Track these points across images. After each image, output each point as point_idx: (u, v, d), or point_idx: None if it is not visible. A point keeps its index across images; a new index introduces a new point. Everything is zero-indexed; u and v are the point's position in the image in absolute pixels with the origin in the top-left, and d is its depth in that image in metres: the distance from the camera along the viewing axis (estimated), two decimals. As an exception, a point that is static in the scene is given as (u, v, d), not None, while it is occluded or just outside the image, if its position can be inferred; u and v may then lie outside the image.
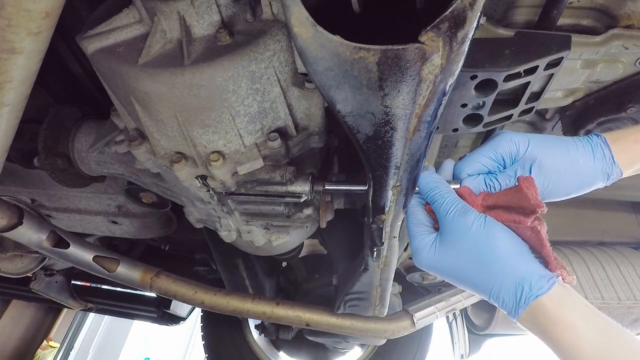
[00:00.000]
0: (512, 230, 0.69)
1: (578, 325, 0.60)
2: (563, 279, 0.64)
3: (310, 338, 1.94)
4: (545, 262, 0.66)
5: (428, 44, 0.37)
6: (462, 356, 2.30)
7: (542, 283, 0.62)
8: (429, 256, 0.71)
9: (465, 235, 0.68)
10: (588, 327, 0.59)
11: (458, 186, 0.76)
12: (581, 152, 0.73)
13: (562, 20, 0.90)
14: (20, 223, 0.94)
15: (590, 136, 0.75)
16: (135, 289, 2.44)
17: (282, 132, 0.78)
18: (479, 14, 0.37)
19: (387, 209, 0.72)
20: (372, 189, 0.67)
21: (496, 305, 0.69)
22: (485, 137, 1.20)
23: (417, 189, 0.75)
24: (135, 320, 4.79)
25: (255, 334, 2.67)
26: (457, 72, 0.45)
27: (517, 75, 0.86)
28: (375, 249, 0.92)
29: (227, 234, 1.06)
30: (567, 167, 0.73)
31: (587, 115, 1.03)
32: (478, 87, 0.87)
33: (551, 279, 0.63)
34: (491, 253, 0.66)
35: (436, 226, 0.75)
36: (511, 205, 0.72)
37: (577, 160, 0.73)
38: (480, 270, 0.67)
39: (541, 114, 1.17)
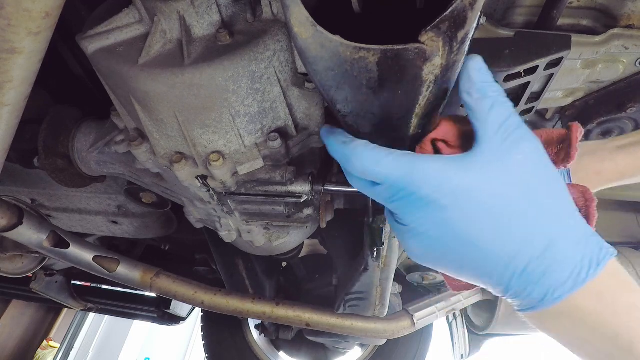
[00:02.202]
0: None
1: (638, 299, 0.46)
2: None
3: (310, 338, 1.94)
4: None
5: (428, 44, 0.37)
6: (462, 356, 2.30)
7: (607, 247, 0.48)
8: (453, 183, 0.46)
9: (527, 168, 0.47)
10: None
11: None
12: None
13: (562, 20, 0.90)
14: (20, 223, 0.94)
15: None
16: (135, 289, 2.44)
17: (282, 132, 0.78)
18: (479, 14, 0.37)
19: (387, 209, 0.72)
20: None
21: (501, 286, 0.49)
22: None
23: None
24: (135, 320, 4.79)
25: (255, 334, 2.67)
26: (457, 72, 0.45)
27: (517, 75, 0.86)
28: (375, 249, 0.92)
29: (227, 234, 1.06)
30: None
31: (587, 115, 1.03)
32: (478, 87, 0.87)
33: (610, 247, 0.48)
34: (557, 198, 0.48)
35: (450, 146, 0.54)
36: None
37: None
38: (531, 218, 0.46)
39: (541, 114, 1.17)
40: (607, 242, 0.49)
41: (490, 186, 0.46)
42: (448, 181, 0.47)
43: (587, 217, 0.55)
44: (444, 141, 0.54)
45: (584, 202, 0.55)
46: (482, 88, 0.49)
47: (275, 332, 2.43)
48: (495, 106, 0.49)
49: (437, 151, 0.54)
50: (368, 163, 0.49)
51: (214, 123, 0.72)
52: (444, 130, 0.54)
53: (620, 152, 0.83)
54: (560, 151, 0.57)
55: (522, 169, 0.47)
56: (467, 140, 0.53)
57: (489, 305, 1.97)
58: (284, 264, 2.18)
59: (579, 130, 0.57)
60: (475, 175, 0.47)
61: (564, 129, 0.58)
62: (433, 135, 0.53)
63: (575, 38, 0.86)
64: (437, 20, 0.35)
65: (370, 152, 0.49)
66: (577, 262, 0.46)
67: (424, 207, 0.48)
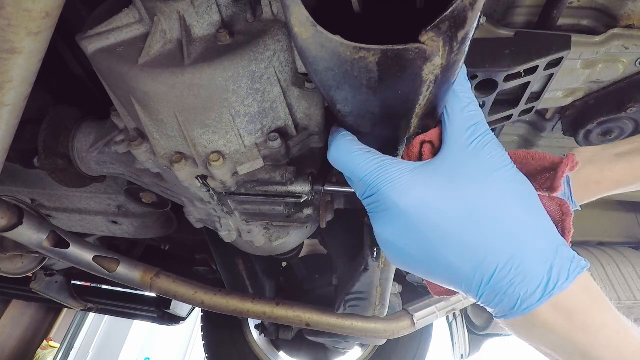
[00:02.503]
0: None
1: (609, 319, 0.46)
2: None
3: (310, 338, 1.94)
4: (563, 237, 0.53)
5: (428, 44, 0.37)
6: (462, 356, 2.30)
7: (578, 260, 0.46)
8: (414, 190, 0.46)
9: (491, 175, 0.47)
10: (618, 323, 0.46)
11: None
12: None
13: (562, 20, 0.90)
14: (20, 223, 0.94)
15: None
16: (135, 289, 2.44)
17: (282, 132, 0.78)
18: (479, 14, 0.37)
19: (387, 209, 0.72)
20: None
21: (471, 294, 0.48)
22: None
23: None
24: (135, 320, 4.79)
25: (255, 334, 2.67)
26: (457, 72, 0.45)
27: (517, 75, 0.86)
28: (375, 249, 0.92)
29: (227, 234, 1.06)
30: None
31: (587, 115, 1.03)
32: (478, 87, 0.87)
33: (582, 259, 0.47)
34: (525, 207, 0.47)
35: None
36: (532, 172, 0.57)
37: None
38: (495, 227, 0.45)
39: (541, 114, 1.17)
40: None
41: (452, 194, 0.46)
42: (411, 188, 0.47)
43: (563, 230, 0.54)
44: (431, 142, 0.53)
45: (560, 215, 0.54)
46: (457, 94, 0.50)
47: (275, 332, 2.43)
48: (465, 111, 0.50)
49: (421, 154, 0.54)
50: (341, 153, 0.51)
51: (214, 123, 0.72)
52: (434, 132, 0.53)
53: (620, 160, 0.83)
54: (547, 180, 0.56)
55: (485, 176, 0.47)
56: None
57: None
58: (284, 264, 2.18)
59: (570, 164, 0.55)
60: (437, 183, 0.47)
61: (559, 156, 0.57)
62: (422, 137, 0.53)
63: (575, 38, 0.86)
64: (437, 20, 0.35)
65: (347, 144, 0.51)
66: (544, 274, 0.44)
67: (388, 211, 0.48)
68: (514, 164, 0.51)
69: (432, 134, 0.53)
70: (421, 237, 0.47)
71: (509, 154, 0.52)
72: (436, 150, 0.53)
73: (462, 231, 0.45)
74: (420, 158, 0.53)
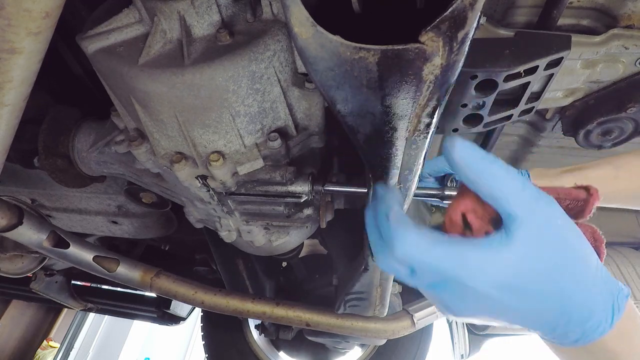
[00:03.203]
0: None
1: None
2: None
3: (310, 338, 1.94)
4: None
5: (428, 44, 0.37)
6: (462, 356, 2.30)
7: (623, 286, 0.51)
8: (492, 262, 0.46)
9: (550, 231, 0.47)
10: None
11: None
12: None
13: (562, 20, 0.90)
14: (20, 223, 0.94)
15: None
16: (135, 289, 2.44)
17: (282, 132, 0.78)
18: (479, 14, 0.37)
19: (387, 209, 0.72)
20: (372, 190, 0.67)
21: (547, 336, 0.51)
22: (486, 137, 1.20)
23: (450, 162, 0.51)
24: (135, 320, 4.79)
25: (255, 334, 2.67)
26: (457, 72, 0.45)
27: (517, 75, 0.86)
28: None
29: (227, 234, 1.06)
30: None
31: (587, 115, 1.03)
32: (478, 87, 0.87)
33: (625, 289, 0.51)
34: (584, 256, 0.49)
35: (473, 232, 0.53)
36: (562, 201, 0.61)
37: None
38: (564, 277, 0.48)
39: (541, 114, 1.17)
40: (607, 242, 0.53)
41: (533, 263, 0.47)
42: (498, 273, 0.47)
43: (599, 255, 0.56)
44: (474, 211, 0.53)
45: (593, 242, 0.58)
46: (482, 170, 0.48)
47: (275, 332, 2.43)
48: (507, 180, 0.47)
49: (466, 223, 0.53)
50: (414, 251, 0.47)
51: (214, 123, 0.72)
52: (469, 201, 0.53)
53: (566, 175, 0.92)
54: (572, 208, 0.60)
55: (558, 236, 0.48)
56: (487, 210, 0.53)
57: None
58: (284, 264, 2.18)
59: (598, 198, 0.59)
60: (519, 257, 0.47)
61: (581, 189, 0.61)
62: (462, 208, 0.53)
63: (575, 38, 0.86)
64: (437, 20, 0.35)
65: (416, 238, 0.47)
66: (607, 309, 0.49)
67: (471, 296, 0.48)
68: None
69: (468, 203, 0.52)
70: (508, 308, 0.49)
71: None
72: (481, 217, 0.52)
73: (546, 294, 0.48)
74: (465, 229, 0.53)
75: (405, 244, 0.47)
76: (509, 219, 0.47)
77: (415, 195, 0.77)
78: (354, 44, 0.37)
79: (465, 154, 0.48)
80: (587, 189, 0.61)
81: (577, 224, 0.54)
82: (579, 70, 0.95)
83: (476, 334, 2.21)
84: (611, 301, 0.50)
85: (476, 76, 0.84)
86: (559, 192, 0.61)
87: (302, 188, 0.82)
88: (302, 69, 0.72)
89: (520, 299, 0.48)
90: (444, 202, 0.88)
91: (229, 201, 0.91)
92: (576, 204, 0.61)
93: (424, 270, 0.48)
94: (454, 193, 0.73)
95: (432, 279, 0.49)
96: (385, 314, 1.33)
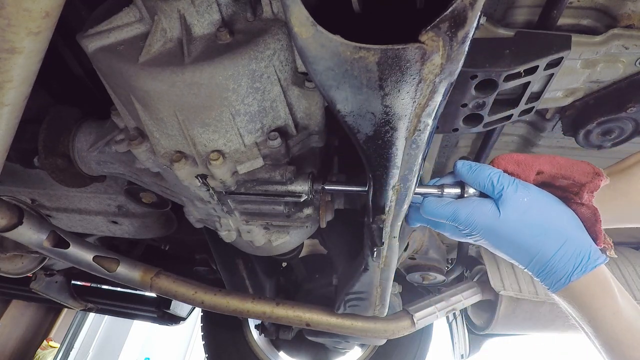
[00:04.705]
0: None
1: (618, 297, 0.67)
2: (608, 254, 0.72)
3: (310, 338, 1.94)
4: (595, 238, 0.72)
5: (428, 43, 0.37)
6: (462, 356, 2.30)
7: (599, 254, 0.69)
8: (490, 222, 0.73)
9: (531, 204, 0.72)
10: (623, 300, 0.68)
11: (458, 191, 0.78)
12: None
13: (562, 20, 0.90)
14: (20, 223, 0.94)
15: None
16: (135, 289, 2.44)
17: (282, 132, 0.78)
18: (479, 13, 0.37)
19: (387, 209, 0.72)
20: (372, 189, 0.67)
21: (532, 274, 0.72)
22: (485, 137, 1.20)
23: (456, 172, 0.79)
24: (135, 320, 4.80)
25: (255, 334, 2.67)
26: (457, 72, 0.45)
27: (517, 75, 0.85)
28: (375, 249, 0.92)
29: (227, 234, 1.06)
30: None
31: (587, 115, 1.03)
32: (478, 87, 0.87)
33: (602, 254, 0.69)
34: (557, 220, 0.71)
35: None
36: (563, 179, 0.75)
37: None
38: (541, 236, 0.70)
39: (541, 114, 1.17)
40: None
41: (524, 215, 0.72)
42: (495, 218, 0.72)
43: (596, 233, 0.71)
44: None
45: (593, 220, 0.71)
46: (485, 182, 0.74)
47: (275, 332, 2.43)
48: (510, 187, 0.73)
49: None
50: (462, 214, 0.74)
51: (214, 122, 0.72)
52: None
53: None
54: (571, 187, 0.75)
55: (538, 201, 0.72)
56: None
57: (489, 305, 1.97)
58: (284, 264, 2.18)
59: (603, 178, 0.73)
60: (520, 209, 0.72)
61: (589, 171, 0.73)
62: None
63: (575, 38, 0.86)
64: (437, 20, 0.35)
65: (466, 206, 0.74)
66: (570, 268, 0.68)
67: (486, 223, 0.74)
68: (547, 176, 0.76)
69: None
70: (542, 223, 0.71)
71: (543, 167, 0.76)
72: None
73: (532, 235, 0.71)
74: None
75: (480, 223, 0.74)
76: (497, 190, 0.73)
77: (415, 195, 0.78)
78: (354, 44, 0.37)
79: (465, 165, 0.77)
80: (597, 173, 0.73)
81: (581, 203, 0.72)
82: (579, 70, 0.95)
83: (476, 334, 2.20)
84: (584, 254, 0.68)
85: (476, 76, 0.84)
86: (560, 173, 0.75)
87: (302, 187, 0.82)
88: (302, 68, 0.72)
89: (511, 242, 0.72)
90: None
91: (228, 200, 0.91)
92: (574, 185, 0.74)
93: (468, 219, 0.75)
94: (454, 192, 0.75)
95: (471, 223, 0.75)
96: (385, 314, 1.33)
